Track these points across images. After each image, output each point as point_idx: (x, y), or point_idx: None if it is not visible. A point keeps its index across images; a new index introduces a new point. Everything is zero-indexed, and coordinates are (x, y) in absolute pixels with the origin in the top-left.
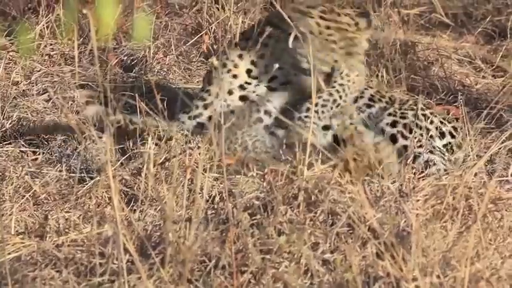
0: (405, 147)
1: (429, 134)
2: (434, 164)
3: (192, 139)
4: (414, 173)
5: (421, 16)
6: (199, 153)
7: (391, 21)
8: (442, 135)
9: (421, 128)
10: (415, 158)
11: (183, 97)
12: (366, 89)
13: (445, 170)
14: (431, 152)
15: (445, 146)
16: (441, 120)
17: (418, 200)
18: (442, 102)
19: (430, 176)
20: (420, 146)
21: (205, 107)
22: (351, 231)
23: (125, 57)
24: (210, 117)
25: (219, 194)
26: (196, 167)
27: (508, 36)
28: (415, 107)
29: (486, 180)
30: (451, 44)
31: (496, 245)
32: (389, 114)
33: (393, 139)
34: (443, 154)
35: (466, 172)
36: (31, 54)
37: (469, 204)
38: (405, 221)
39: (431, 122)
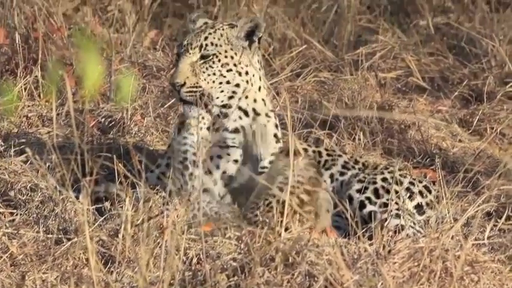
0: (371, 213)
1: (397, 196)
2: (403, 229)
3: (169, 201)
4: (391, 236)
5: (398, 80)
6: (177, 215)
7: (368, 85)
8: (412, 196)
9: (388, 192)
10: (385, 222)
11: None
12: (339, 155)
13: (414, 234)
14: (398, 216)
15: (416, 207)
16: (411, 181)
17: (395, 262)
18: (418, 166)
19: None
20: (386, 212)
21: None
22: None
23: (103, 119)
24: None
25: (196, 256)
26: (174, 228)
27: (485, 100)
28: (385, 171)
29: (463, 242)
30: (427, 107)
31: None
32: (359, 181)
33: (361, 205)
34: (413, 216)
35: (443, 234)
36: (9, 115)
37: (446, 267)
38: (382, 283)
39: (401, 184)
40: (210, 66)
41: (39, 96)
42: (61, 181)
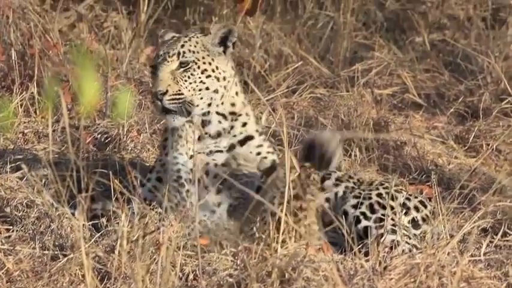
0: (366, 228)
1: (393, 212)
2: (399, 244)
3: (166, 217)
4: (387, 252)
5: (394, 96)
6: (173, 231)
7: (364, 101)
8: (408, 211)
9: (383, 207)
10: (381, 237)
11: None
12: (333, 171)
13: (410, 250)
14: (393, 232)
15: (411, 221)
16: (407, 196)
17: (391, 278)
18: (414, 182)
19: (398, 256)
20: (381, 227)
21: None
22: None
23: (99, 135)
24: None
25: (192, 272)
26: (170, 244)
27: (481, 116)
28: (380, 186)
29: (459, 259)
30: (423, 124)
31: None
32: (354, 196)
33: (356, 221)
34: (408, 231)
35: (439, 250)
36: (5, 132)
37: (442, 283)
38: None
39: (396, 199)
40: (191, 74)
41: (35, 112)
42: (57, 197)
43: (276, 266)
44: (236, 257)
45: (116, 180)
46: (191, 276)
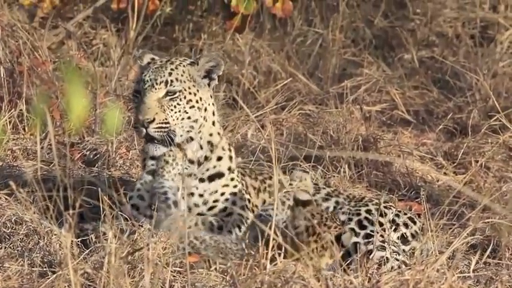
0: (356, 244)
1: (382, 228)
2: (388, 261)
3: (155, 233)
4: (376, 268)
5: (383, 113)
6: (162, 248)
7: (353, 118)
8: (397, 227)
9: (373, 224)
10: (370, 253)
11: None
12: (323, 188)
13: (398, 267)
14: (383, 248)
15: (400, 237)
16: (396, 212)
17: None
18: (404, 198)
19: (387, 272)
20: (370, 243)
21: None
22: None
23: (88, 152)
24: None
25: None
26: (159, 261)
27: (469, 133)
28: (369, 203)
29: (448, 275)
30: (412, 140)
31: None
32: (344, 213)
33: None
34: (397, 247)
35: (428, 267)
36: None
37: None
38: None
39: (385, 215)
40: (178, 104)
41: (23, 129)
42: (45, 214)
43: (265, 282)
44: (225, 273)
45: (104, 197)
46: None
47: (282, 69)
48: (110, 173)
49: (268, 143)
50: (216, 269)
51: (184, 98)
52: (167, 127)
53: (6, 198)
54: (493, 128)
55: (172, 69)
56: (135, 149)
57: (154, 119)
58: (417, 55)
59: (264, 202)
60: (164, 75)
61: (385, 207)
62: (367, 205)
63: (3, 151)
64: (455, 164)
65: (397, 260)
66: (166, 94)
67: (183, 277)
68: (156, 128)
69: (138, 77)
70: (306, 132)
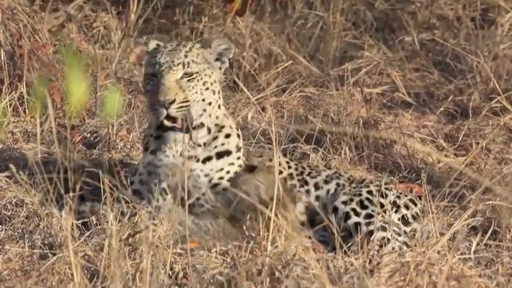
0: (357, 224)
1: (383, 209)
2: (389, 242)
3: (156, 215)
4: (377, 250)
5: (384, 95)
6: (163, 229)
7: (354, 100)
8: (398, 209)
9: (374, 204)
10: (371, 234)
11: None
12: (323, 170)
13: (400, 248)
14: (383, 229)
15: (400, 219)
16: (397, 194)
17: (381, 277)
18: (404, 180)
19: (388, 253)
20: (372, 223)
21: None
22: None
23: (89, 135)
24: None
25: (182, 270)
26: (160, 242)
27: (470, 115)
28: (370, 184)
29: (449, 257)
30: (413, 122)
31: None
32: (345, 193)
33: (346, 217)
34: (398, 228)
35: (429, 249)
36: None
37: (432, 281)
38: None
39: (386, 197)
40: (195, 85)
41: (24, 112)
42: (45, 197)
43: (266, 264)
44: (226, 255)
45: (105, 179)
46: (181, 275)
47: (283, 51)
48: (110, 155)
49: (268, 125)
50: (216, 251)
51: (201, 79)
52: (188, 105)
53: (6, 181)
54: (494, 110)
55: (187, 51)
56: (135, 131)
57: (175, 100)
58: (418, 37)
59: None
60: (180, 57)
61: (386, 189)
62: (368, 186)
63: (3, 134)
64: (456, 146)
65: (398, 241)
66: (184, 75)
67: (184, 259)
68: (178, 107)
69: (150, 61)
70: (306, 115)
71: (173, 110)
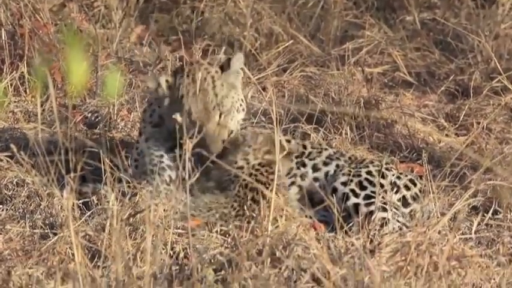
0: (356, 205)
1: (383, 190)
2: (388, 222)
3: (156, 195)
4: (378, 230)
5: (385, 75)
6: (164, 209)
7: (355, 80)
8: (397, 189)
9: (374, 185)
10: (371, 215)
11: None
12: (325, 149)
13: (400, 228)
14: (384, 209)
15: (400, 200)
16: (397, 175)
17: (382, 256)
18: (405, 160)
19: (389, 234)
20: (371, 204)
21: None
22: None
23: (89, 114)
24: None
25: (183, 250)
26: (161, 222)
27: (471, 95)
28: (370, 164)
29: (450, 237)
30: (414, 102)
31: None
32: (344, 174)
33: (346, 198)
34: (398, 210)
35: (430, 229)
36: None
37: (432, 261)
38: (369, 277)
39: (385, 177)
40: (232, 116)
41: (25, 92)
42: (46, 176)
43: (266, 244)
44: (227, 235)
45: (106, 159)
46: (182, 255)
47: (284, 31)
48: (111, 135)
49: (269, 105)
50: (217, 231)
51: (234, 107)
52: (232, 133)
53: (7, 161)
54: (495, 89)
55: (213, 88)
56: (136, 111)
57: (223, 141)
58: (419, 17)
59: None
60: (212, 100)
61: (386, 169)
62: (367, 167)
63: (4, 113)
64: (457, 126)
65: (398, 222)
66: (220, 115)
67: (185, 239)
68: (226, 142)
69: (175, 106)
70: (307, 94)
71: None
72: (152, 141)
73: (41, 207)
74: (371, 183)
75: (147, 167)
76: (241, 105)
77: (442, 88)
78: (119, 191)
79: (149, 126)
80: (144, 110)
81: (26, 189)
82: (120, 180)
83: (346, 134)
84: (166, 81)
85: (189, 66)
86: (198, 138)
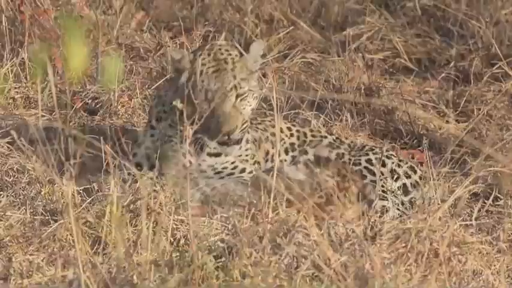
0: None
1: (384, 178)
2: (388, 210)
3: (157, 182)
4: (379, 216)
5: (385, 61)
6: (165, 196)
7: (356, 66)
8: (397, 177)
9: (374, 174)
10: (371, 203)
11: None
12: (325, 136)
13: (400, 216)
14: (383, 198)
15: (401, 187)
16: (397, 162)
17: (382, 243)
18: (406, 147)
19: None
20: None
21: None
22: (316, 274)
23: (90, 100)
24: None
25: (183, 237)
26: (161, 209)
27: (472, 81)
28: (370, 152)
29: (450, 223)
30: (415, 88)
31: None
32: (344, 162)
33: None
34: (396, 197)
35: (430, 215)
36: None
37: (433, 248)
38: (370, 264)
39: (385, 165)
40: (248, 102)
41: (25, 78)
42: (46, 163)
43: (267, 231)
44: (227, 222)
45: (107, 146)
46: (182, 241)
47: (284, 17)
48: (112, 121)
49: (270, 91)
50: (218, 218)
51: (252, 94)
52: (247, 125)
53: (8, 147)
54: (496, 75)
55: (233, 69)
56: (137, 97)
57: (237, 126)
58: (419, 3)
59: (268, 153)
60: (231, 81)
61: (386, 156)
62: (367, 154)
63: (5, 99)
64: (457, 112)
65: (399, 209)
66: (236, 97)
67: (186, 225)
68: (240, 132)
69: (192, 84)
70: (308, 81)
71: (236, 135)
72: (173, 127)
73: (41, 193)
74: (370, 172)
75: (167, 153)
76: (255, 93)
77: (443, 74)
78: (120, 177)
79: (164, 114)
80: (163, 95)
81: (26, 175)
82: (121, 168)
83: (346, 120)
84: (192, 53)
85: (210, 45)
86: (198, 125)
